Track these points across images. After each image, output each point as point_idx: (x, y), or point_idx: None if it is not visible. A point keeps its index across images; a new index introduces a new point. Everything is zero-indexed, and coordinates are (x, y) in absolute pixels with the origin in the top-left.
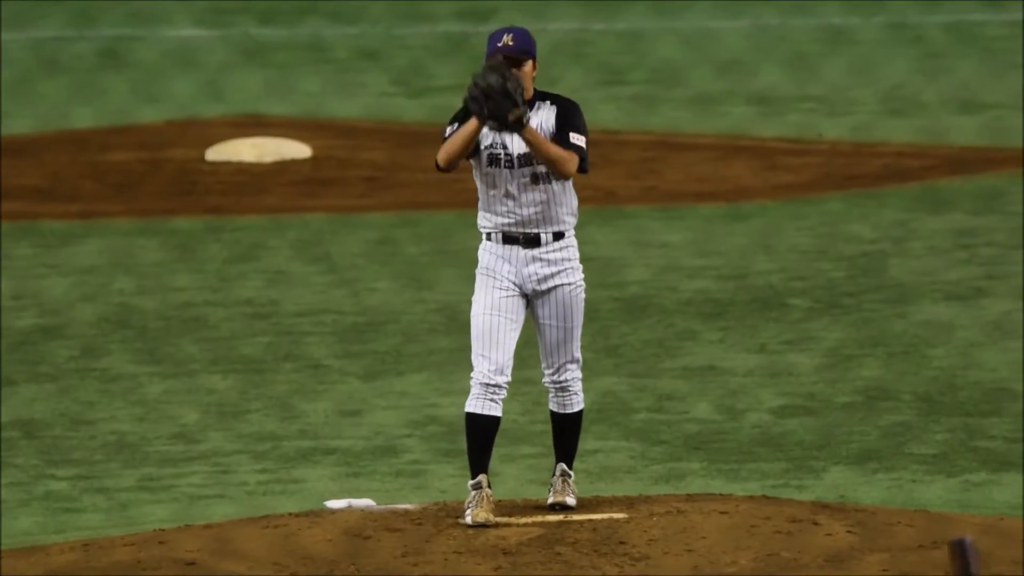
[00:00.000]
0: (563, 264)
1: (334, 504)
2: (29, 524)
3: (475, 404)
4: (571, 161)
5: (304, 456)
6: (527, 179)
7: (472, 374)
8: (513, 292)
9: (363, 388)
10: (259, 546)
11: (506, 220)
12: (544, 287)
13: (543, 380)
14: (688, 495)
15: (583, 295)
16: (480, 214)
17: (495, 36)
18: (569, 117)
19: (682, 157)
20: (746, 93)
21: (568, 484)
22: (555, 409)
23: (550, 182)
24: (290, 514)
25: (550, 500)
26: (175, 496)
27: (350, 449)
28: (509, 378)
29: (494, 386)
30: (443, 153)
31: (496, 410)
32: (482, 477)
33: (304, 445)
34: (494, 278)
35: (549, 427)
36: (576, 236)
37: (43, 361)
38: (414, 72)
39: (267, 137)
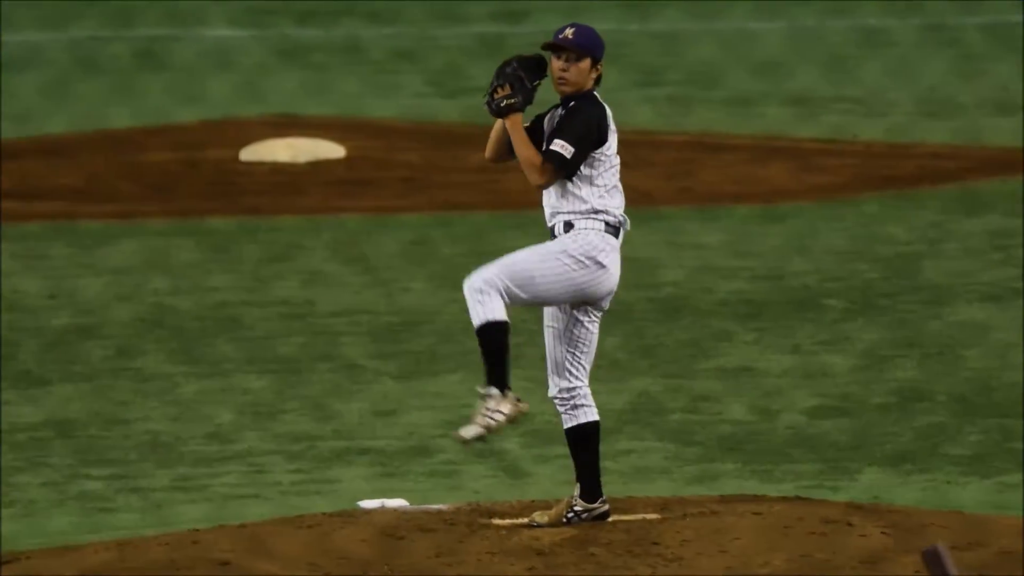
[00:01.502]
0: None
1: (368, 504)
2: (64, 524)
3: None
4: (537, 169)
5: (338, 456)
6: None
7: None
8: None
9: (397, 388)
10: (293, 546)
11: (544, 215)
12: None
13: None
14: (722, 496)
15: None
16: None
17: (561, 28)
18: (565, 121)
19: (718, 158)
20: (782, 94)
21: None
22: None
23: (566, 175)
24: (324, 514)
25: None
26: (209, 496)
27: (384, 449)
28: (561, 385)
29: (555, 400)
30: (487, 144)
31: (574, 420)
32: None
33: (338, 445)
34: None
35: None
36: (611, 234)
37: (78, 361)
38: (449, 73)
39: (302, 137)
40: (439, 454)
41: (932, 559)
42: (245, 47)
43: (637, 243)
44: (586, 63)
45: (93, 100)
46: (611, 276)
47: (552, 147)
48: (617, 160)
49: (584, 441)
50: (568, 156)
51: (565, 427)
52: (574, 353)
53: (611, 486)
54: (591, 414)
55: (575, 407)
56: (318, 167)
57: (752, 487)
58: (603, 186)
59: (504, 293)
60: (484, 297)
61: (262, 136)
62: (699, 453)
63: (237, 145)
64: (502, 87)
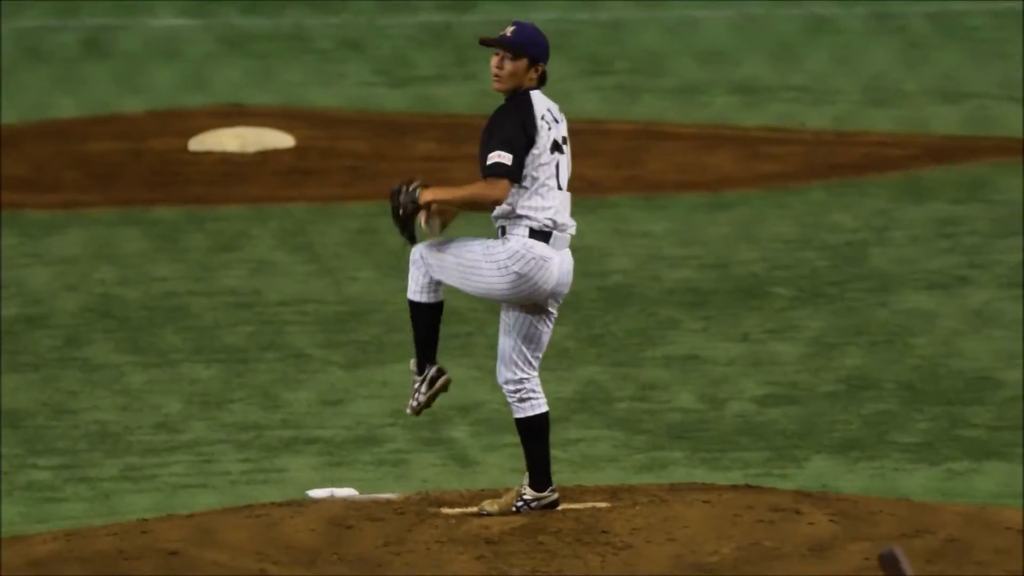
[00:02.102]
0: None
1: (316, 493)
2: (12, 514)
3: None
4: (485, 189)
5: (287, 445)
6: None
7: None
8: None
9: (345, 377)
10: (242, 536)
11: None
12: None
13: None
14: (671, 484)
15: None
16: None
17: (504, 26)
18: (490, 130)
19: (665, 147)
20: (729, 83)
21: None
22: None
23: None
24: (273, 503)
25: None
26: (158, 486)
27: (332, 439)
28: (507, 376)
29: (504, 389)
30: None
31: (523, 412)
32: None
33: (286, 435)
34: None
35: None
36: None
37: (26, 351)
38: (396, 62)
39: (250, 127)
40: (387, 443)
41: (889, 562)
42: (191, 36)
43: (584, 232)
44: (522, 63)
45: (38, 90)
46: (533, 283)
47: (489, 161)
48: (552, 158)
49: (534, 432)
50: (509, 163)
51: (515, 417)
52: (523, 346)
53: (560, 475)
54: (540, 406)
55: (523, 400)
56: (265, 157)
57: (701, 475)
58: (528, 187)
59: (436, 285)
60: (417, 273)
61: (208, 126)
62: (648, 441)
63: (183, 135)
64: (400, 222)
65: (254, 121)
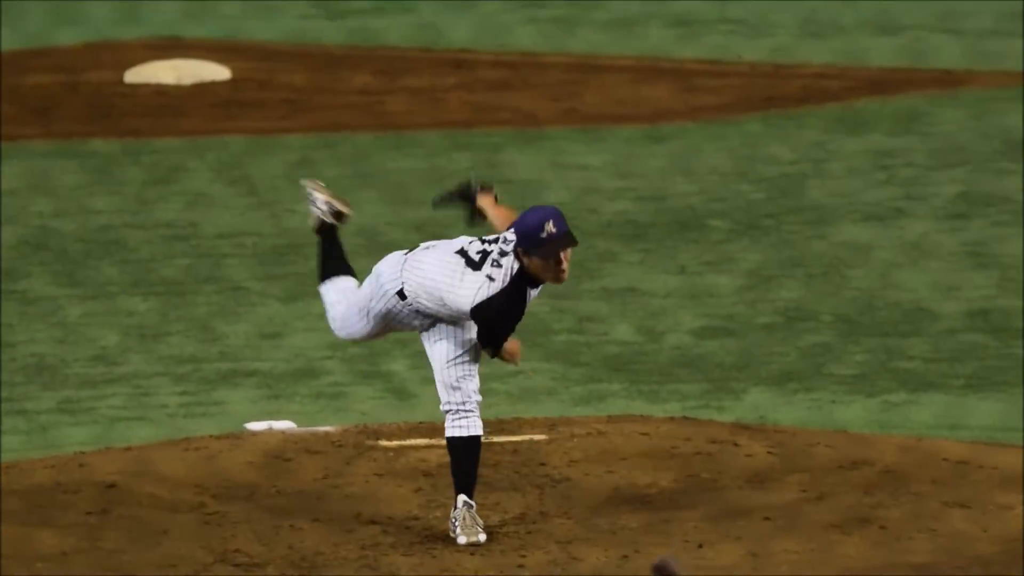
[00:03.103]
0: None
1: (255, 426)
2: None
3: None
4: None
5: (224, 378)
6: None
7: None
8: None
9: (283, 310)
10: (180, 469)
11: None
12: None
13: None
14: (609, 417)
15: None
16: None
17: (533, 226)
18: (479, 329)
19: (602, 79)
20: (665, 15)
21: (475, 516)
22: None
23: None
24: (211, 436)
25: (462, 539)
26: (95, 419)
27: (270, 371)
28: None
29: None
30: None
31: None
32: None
33: (224, 367)
34: None
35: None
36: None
37: None
38: None
39: (186, 59)
40: (325, 376)
41: (661, 571)
42: None
43: (521, 164)
44: None
45: None
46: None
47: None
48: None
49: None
50: (492, 340)
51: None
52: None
53: (499, 407)
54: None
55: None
56: (201, 89)
57: (639, 407)
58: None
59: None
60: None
61: (144, 59)
62: (586, 374)
63: (119, 68)
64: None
65: (190, 53)
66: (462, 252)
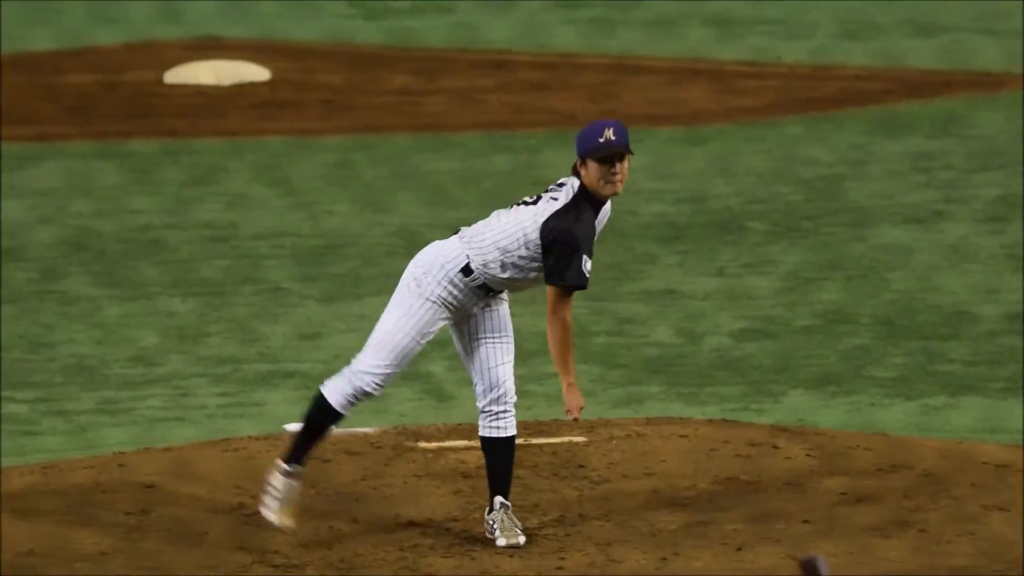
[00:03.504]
0: None
1: (293, 427)
2: None
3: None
4: (554, 316)
5: (263, 379)
6: None
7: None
8: None
9: (322, 311)
10: (218, 469)
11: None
12: None
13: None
14: (647, 419)
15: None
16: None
17: (594, 131)
18: (550, 261)
19: (639, 80)
20: (704, 15)
21: (512, 518)
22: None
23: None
24: (249, 437)
25: (501, 541)
26: (135, 419)
27: (309, 372)
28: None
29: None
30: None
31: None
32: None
33: (263, 368)
34: None
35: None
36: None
37: (2, 284)
38: None
39: (225, 60)
40: None
41: (809, 567)
42: None
43: (559, 165)
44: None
45: (13, 22)
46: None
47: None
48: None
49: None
50: (569, 277)
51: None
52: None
53: (538, 409)
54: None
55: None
56: (240, 90)
57: (677, 410)
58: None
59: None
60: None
61: (183, 59)
62: (625, 376)
63: (158, 68)
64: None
65: (229, 54)
66: (517, 202)
